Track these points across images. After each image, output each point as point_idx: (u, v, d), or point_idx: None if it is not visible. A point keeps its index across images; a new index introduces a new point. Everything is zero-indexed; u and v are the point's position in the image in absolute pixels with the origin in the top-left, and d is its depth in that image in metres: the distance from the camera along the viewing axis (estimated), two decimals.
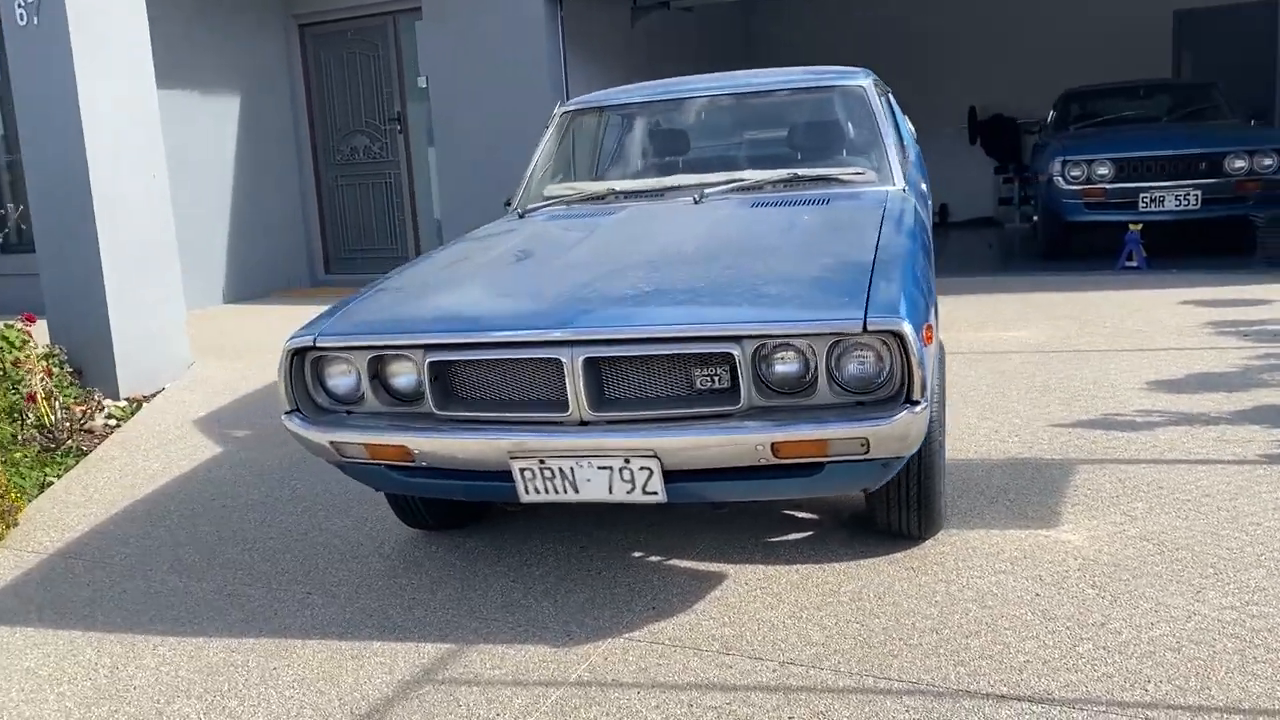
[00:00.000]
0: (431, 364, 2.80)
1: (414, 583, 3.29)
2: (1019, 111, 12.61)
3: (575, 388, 2.68)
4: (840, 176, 3.94)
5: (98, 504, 4.27)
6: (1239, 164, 7.50)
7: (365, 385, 2.91)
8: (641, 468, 2.68)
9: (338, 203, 10.06)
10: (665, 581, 3.16)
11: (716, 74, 4.60)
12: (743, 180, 3.94)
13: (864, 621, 2.83)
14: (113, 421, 5.47)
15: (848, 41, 12.80)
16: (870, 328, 2.52)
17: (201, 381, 6.16)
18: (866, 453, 2.59)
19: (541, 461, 2.74)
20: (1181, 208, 7.57)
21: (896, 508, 3.11)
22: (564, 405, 2.73)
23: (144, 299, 6.06)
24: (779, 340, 2.61)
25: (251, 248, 9.47)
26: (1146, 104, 9.26)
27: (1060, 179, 7.87)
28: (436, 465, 2.88)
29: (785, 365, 2.66)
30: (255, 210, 9.51)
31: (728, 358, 2.65)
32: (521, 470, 2.77)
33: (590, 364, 2.67)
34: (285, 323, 8.18)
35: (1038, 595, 2.91)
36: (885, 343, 2.57)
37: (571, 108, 4.57)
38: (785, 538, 3.41)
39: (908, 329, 2.51)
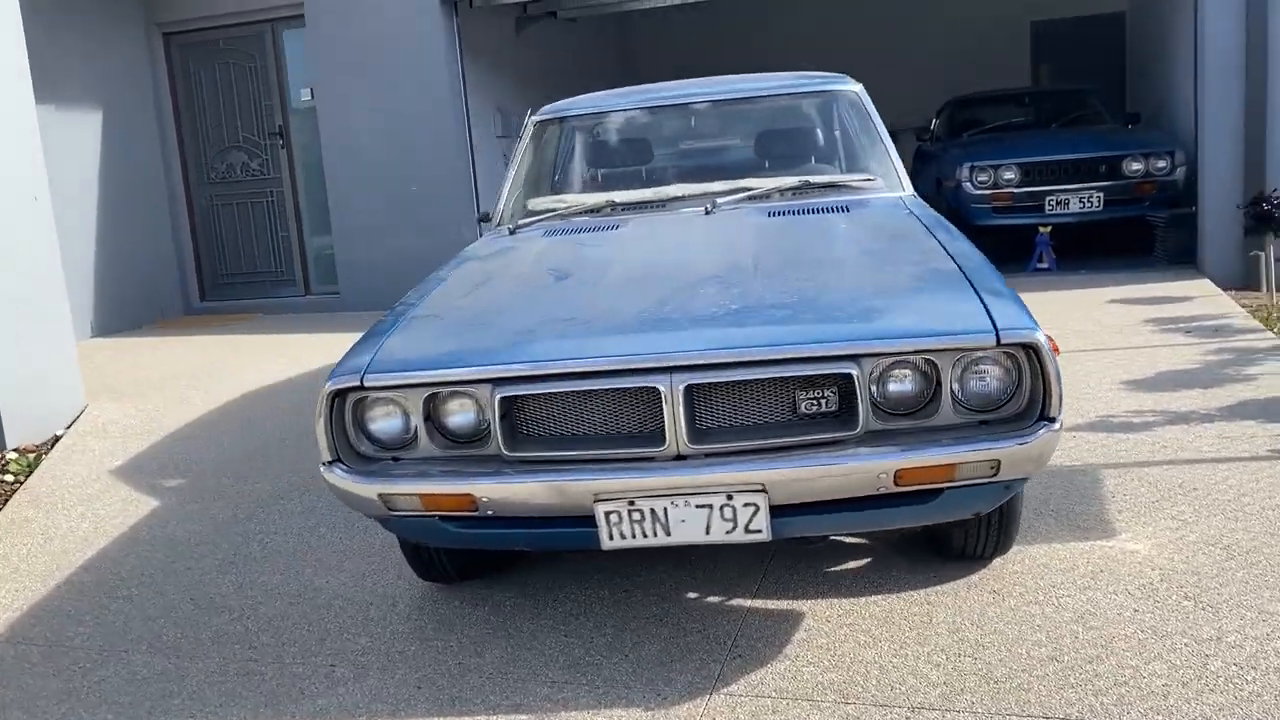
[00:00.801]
0: (502, 399, 2.47)
1: (452, 645, 2.93)
2: (889, 120, 12.87)
3: (674, 418, 2.41)
4: (850, 183, 3.79)
5: (28, 576, 3.70)
6: (1136, 166, 7.78)
7: (419, 427, 2.56)
8: (746, 504, 2.43)
9: (214, 225, 9.35)
10: (738, 625, 2.91)
11: (699, 79, 4.40)
12: (753, 189, 3.74)
13: (975, 655, 2.65)
14: (8, 478, 4.82)
15: (714, 55, 12.82)
16: (1004, 340, 2.35)
17: (103, 427, 5.52)
18: (994, 475, 2.42)
19: (631, 503, 2.46)
20: (1085, 209, 7.80)
21: (975, 531, 2.95)
22: (657, 439, 2.45)
23: (30, 336, 5.40)
24: (899, 358, 2.41)
25: (119, 275, 8.67)
26: (1030, 110, 9.56)
27: (968, 184, 7.99)
28: (503, 514, 2.55)
29: (901, 385, 2.46)
30: (122, 234, 8.72)
31: (840, 379, 2.43)
32: (607, 514, 2.48)
33: (687, 392, 2.41)
34: (172, 356, 7.51)
35: (1136, 611, 2.80)
36: (1013, 356, 2.41)
37: (545, 117, 4.27)
38: (844, 567, 3.21)
39: (1042, 340, 2.36)
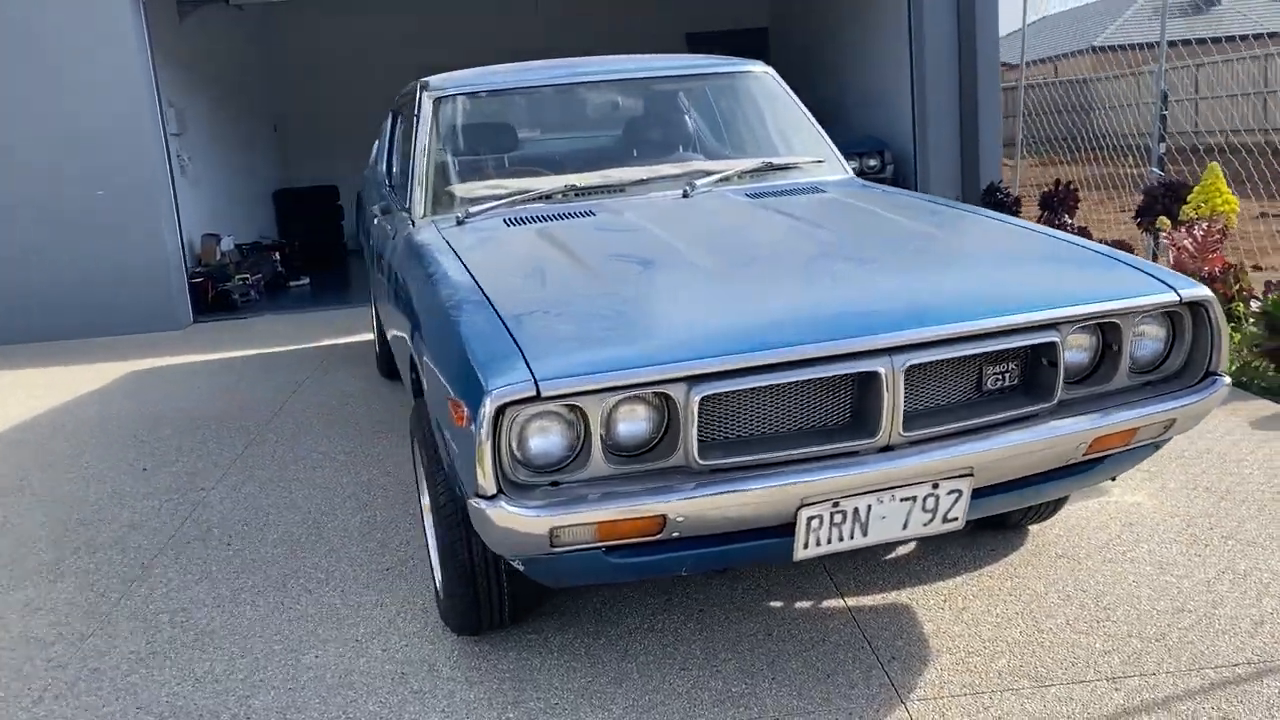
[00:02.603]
0: (703, 400, 2.10)
1: (556, 704, 2.46)
2: None
3: (893, 404, 2.17)
4: (803, 164, 3.70)
5: None
6: (851, 165, 8.36)
7: (594, 441, 2.10)
8: (950, 491, 2.25)
9: None
10: (854, 627, 2.70)
11: (600, 58, 4.06)
12: (712, 170, 3.52)
13: (1111, 618, 2.66)
14: None
15: (360, 56, 12.23)
16: (1185, 298, 2.37)
17: None
18: (1162, 434, 2.44)
19: (835, 504, 2.19)
20: None
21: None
22: (864, 429, 2.20)
23: None
24: (1083, 324, 2.34)
25: None
26: None
27: None
28: (693, 533, 2.16)
29: (1078, 352, 2.40)
30: None
31: (1030, 350, 2.32)
32: (809, 519, 2.18)
33: (907, 374, 2.19)
34: None
35: (1199, 556, 2.96)
36: (1176, 315, 2.43)
37: (445, 93, 3.72)
38: (898, 554, 3.10)
39: (1212, 296, 2.40)
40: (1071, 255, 2.64)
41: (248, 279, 8.69)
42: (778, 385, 2.16)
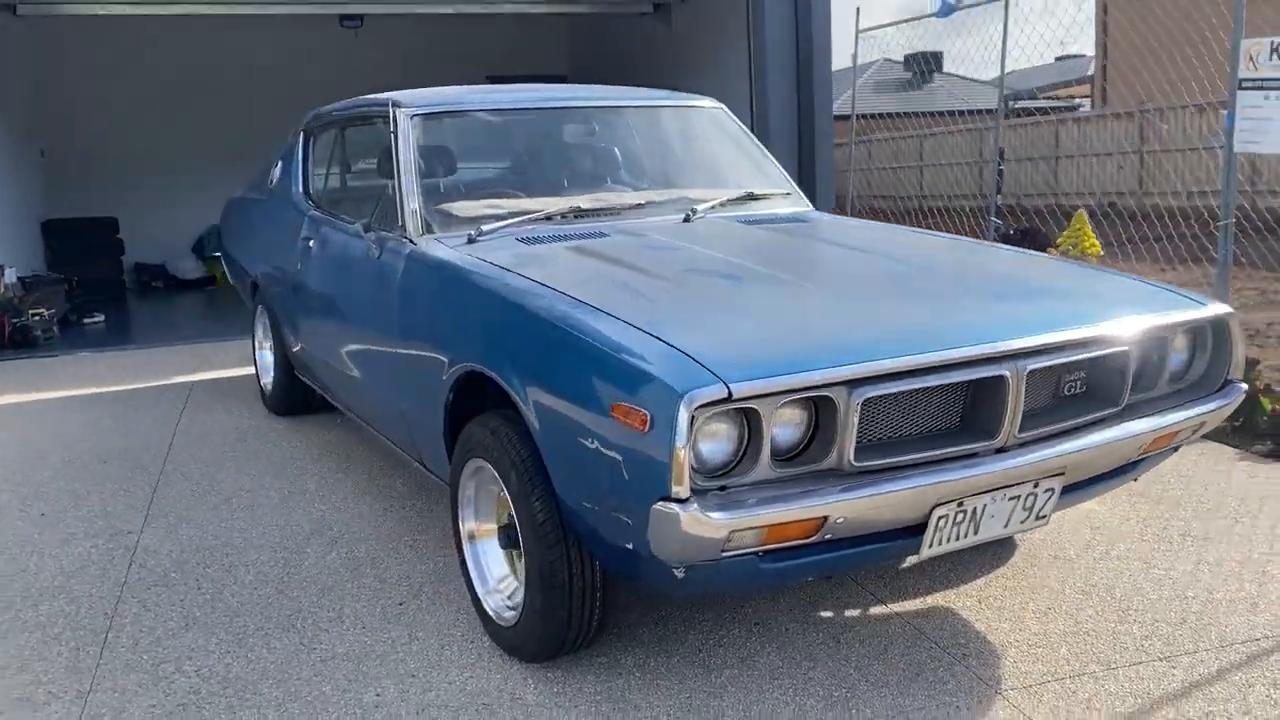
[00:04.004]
0: (865, 402, 2.17)
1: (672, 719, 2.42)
2: None
3: (1015, 406, 2.33)
4: (773, 195, 3.85)
5: None
6: None
7: (764, 444, 2.11)
8: (1046, 489, 2.43)
9: None
10: (914, 630, 2.82)
11: (566, 85, 4.07)
12: (713, 198, 3.62)
13: (1131, 607, 2.92)
14: None
15: (143, 87, 11.58)
16: (1214, 314, 2.67)
17: None
18: (1190, 437, 2.73)
19: (960, 504, 2.32)
20: None
21: None
22: (982, 431, 2.34)
23: None
24: (1145, 335, 2.59)
25: None
26: None
27: None
28: (844, 535, 2.22)
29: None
30: None
31: (1101, 359, 2.54)
32: (939, 519, 2.30)
33: (1029, 378, 2.35)
34: None
35: (1169, 551, 3.30)
36: (1200, 328, 2.73)
37: (422, 111, 3.59)
38: (909, 561, 3.26)
39: (1233, 310, 2.72)
40: (1108, 278, 2.92)
41: (43, 314, 7.87)
42: (919, 389, 2.27)
